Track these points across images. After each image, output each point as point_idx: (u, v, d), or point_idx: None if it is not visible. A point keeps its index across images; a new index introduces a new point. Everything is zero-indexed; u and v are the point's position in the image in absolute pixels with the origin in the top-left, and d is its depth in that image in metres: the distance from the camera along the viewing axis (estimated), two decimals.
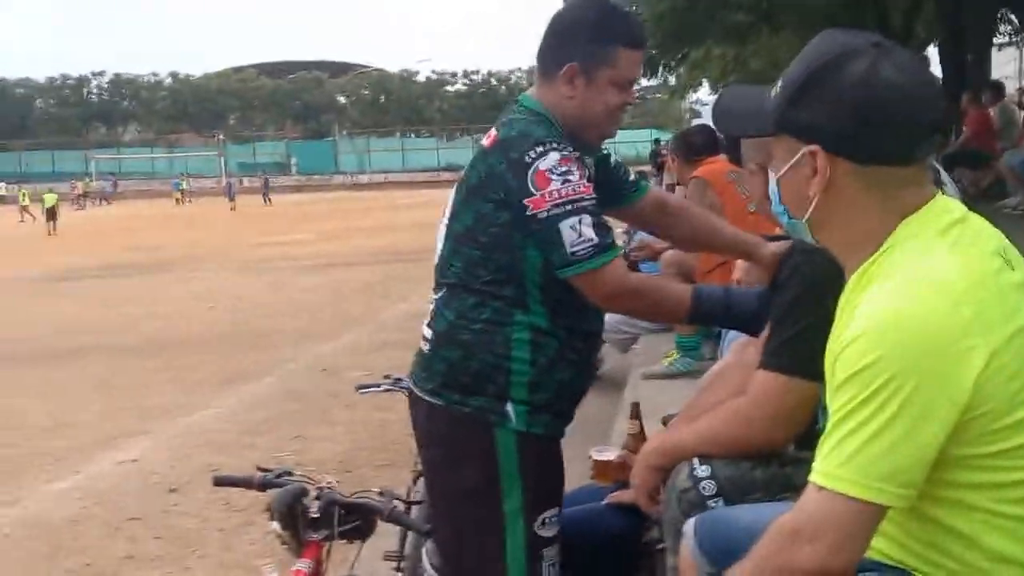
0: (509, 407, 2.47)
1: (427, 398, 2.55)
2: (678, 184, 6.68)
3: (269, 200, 45.58)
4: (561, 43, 2.54)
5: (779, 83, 1.62)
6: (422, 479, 3.05)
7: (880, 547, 1.62)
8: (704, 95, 46.70)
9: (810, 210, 1.62)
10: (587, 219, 2.35)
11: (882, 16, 17.72)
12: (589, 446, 3.12)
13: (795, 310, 2.11)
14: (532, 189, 2.35)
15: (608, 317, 7.53)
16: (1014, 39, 21.92)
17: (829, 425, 1.51)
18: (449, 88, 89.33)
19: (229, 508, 5.75)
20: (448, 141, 73.34)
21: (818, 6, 16.36)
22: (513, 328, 2.47)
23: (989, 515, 1.53)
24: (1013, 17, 16.35)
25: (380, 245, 22.43)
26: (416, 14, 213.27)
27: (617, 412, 5.26)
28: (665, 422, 2.92)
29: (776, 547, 1.53)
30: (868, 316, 1.48)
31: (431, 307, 2.60)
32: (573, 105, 2.50)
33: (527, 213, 2.36)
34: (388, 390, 3.58)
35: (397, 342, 10.17)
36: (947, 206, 1.60)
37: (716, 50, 24.80)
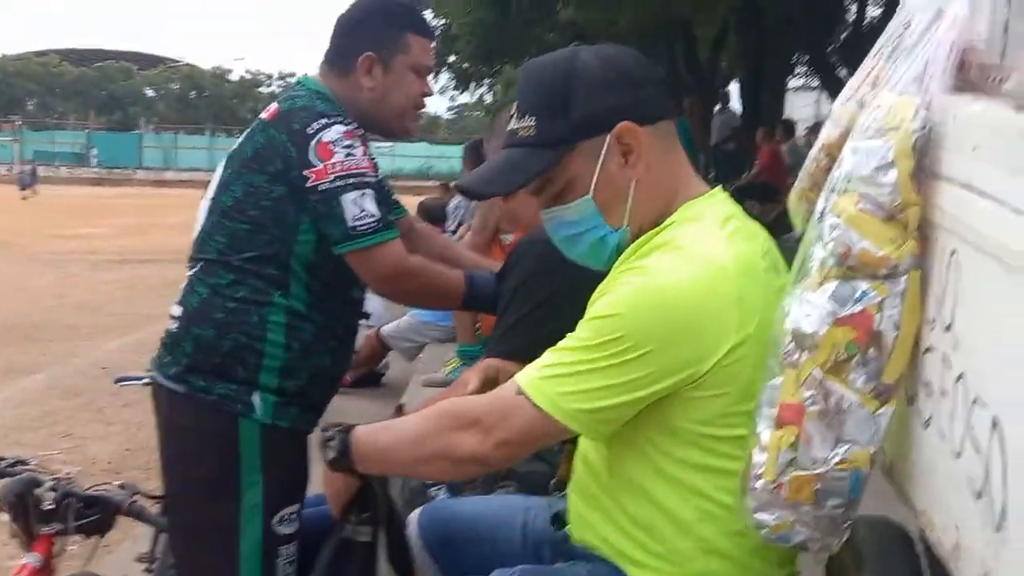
0: (256, 397, 2.38)
1: (170, 384, 2.44)
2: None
3: (34, 191, 39.60)
4: (352, 37, 2.51)
5: (522, 119, 1.68)
6: None
7: (594, 531, 1.64)
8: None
9: (630, 199, 1.65)
10: (370, 193, 2.30)
11: (690, 47, 18.39)
12: None
13: (516, 297, 2.13)
14: (314, 160, 2.29)
15: (397, 324, 7.50)
16: (808, 81, 23.14)
17: (559, 345, 1.58)
18: (263, 89, 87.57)
19: None
20: None
21: (630, 32, 16.87)
22: (270, 309, 2.38)
23: (706, 501, 1.59)
24: (807, 60, 17.29)
25: (182, 243, 21.34)
26: (228, 13, 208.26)
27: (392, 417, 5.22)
28: (401, 410, 2.90)
29: (447, 425, 1.61)
30: (636, 280, 1.55)
31: (183, 285, 2.50)
32: (374, 96, 2.48)
33: (307, 184, 2.29)
34: (148, 383, 3.41)
35: None
36: (725, 200, 1.70)
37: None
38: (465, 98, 35.60)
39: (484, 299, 2.51)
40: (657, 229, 1.64)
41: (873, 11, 15.78)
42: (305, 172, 2.30)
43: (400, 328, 6.96)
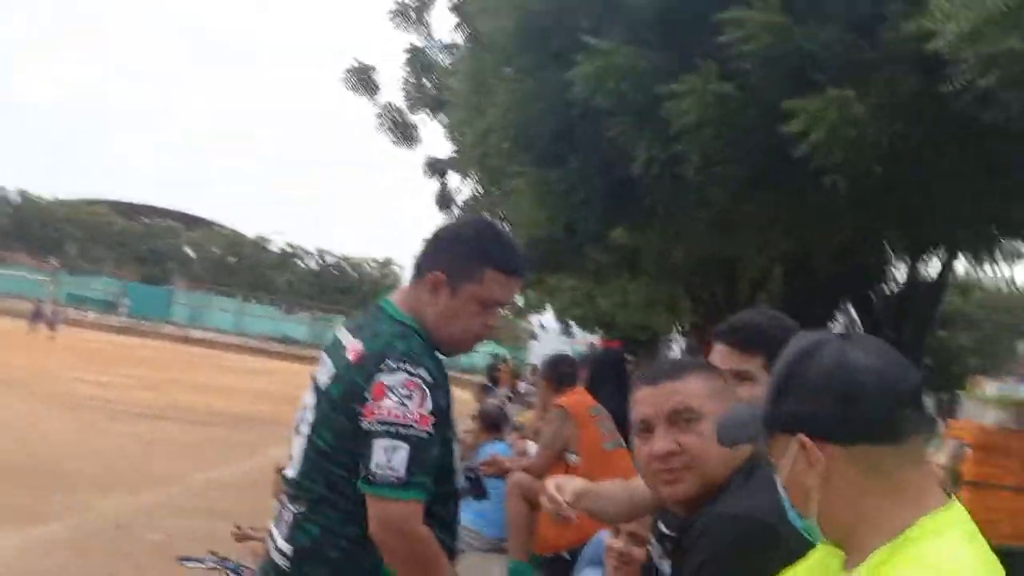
0: None
1: None
2: (540, 407, 6.73)
3: (52, 327, 39.75)
4: (436, 251, 2.56)
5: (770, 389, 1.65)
6: None
7: None
8: (548, 320, 48.00)
9: (816, 503, 1.59)
10: (404, 449, 2.27)
11: (731, 281, 18.63)
12: None
13: (705, 570, 2.01)
14: (368, 397, 2.30)
15: None
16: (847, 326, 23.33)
17: None
18: (300, 263, 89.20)
19: None
20: (288, 314, 72.58)
21: (677, 265, 17.14)
22: None
23: None
24: (851, 309, 17.42)
25: (201, 404, 21.57)
26: (274, 182, 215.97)
27: None
28: None
29: None
30: None
31: (286, 518, 2.46)
32: (433, 313, 2.49)
33: (358, 420, 2.31)
34: (213, 568, 3.32)
35: (201, 510, 9.71)
36: (962, 512, 1.61)
37: (569, 281, 25.50)
38: None
39: None
40: (888, 549, 1.55)
41: (926, 272, 16.00)
42: (360, 408, 2.32)
43: None
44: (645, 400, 2.21)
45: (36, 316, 41.39)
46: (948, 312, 23.67)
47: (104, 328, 51.63)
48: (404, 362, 2.34)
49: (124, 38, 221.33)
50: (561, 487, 2.58)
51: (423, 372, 2.35)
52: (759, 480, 2.16)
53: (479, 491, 6.31)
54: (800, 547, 1.91)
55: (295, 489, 2.46)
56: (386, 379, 2.31)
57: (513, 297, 2.66)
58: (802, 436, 1.57)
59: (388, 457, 2.26)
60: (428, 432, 2.31)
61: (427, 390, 2.34)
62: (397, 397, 2.29)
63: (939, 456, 9.24)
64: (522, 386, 21.51)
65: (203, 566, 3.43)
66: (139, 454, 13.78)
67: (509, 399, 15.97)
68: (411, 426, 2.28)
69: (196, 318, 66.88)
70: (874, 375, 1.56)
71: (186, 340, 52.15)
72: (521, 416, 11.56)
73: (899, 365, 1.61)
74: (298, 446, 2.48)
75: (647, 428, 2.19)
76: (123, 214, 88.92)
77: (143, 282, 75.35)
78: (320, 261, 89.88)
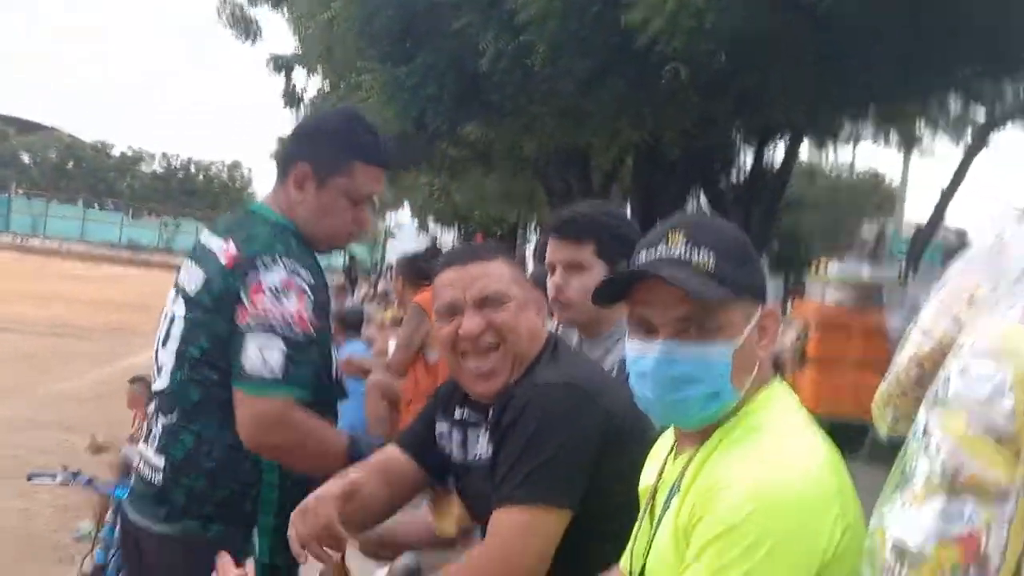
0: (255, 537, 2.30)
1: (161, 528, 2.33)
2: (398, 305, 6.73)
3: None
4: (299, 146, 2.49)
5: (696, 251, 1.62)
6: None
7: None
8: (404, 218, 47.79)
9: (753, 374, 1.63)
10: (279, 346, 2.23)
11: (585, 175, 18.83)
12: None
13: (538, 440, 2.02)
14: (245, 299, 2.25)
15: None
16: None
17: None
18: (144, 168, 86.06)
19: None
20: (134, 219, 70.24)
21: (530, 157, 17.24)
22: None
23: None
24: (702, 196, 17.85)
25: (48, 315, 20.76)
26: (117, 88, 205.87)
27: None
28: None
29: None
30: (742, 480, 1.49)
31: (156, 430, 2.39)
32: (304, 211, 2.43)
33: (235, 320, 2.25)
34: (64, 483, 3.25)
35: (51, 423, 9.44)
36: (788, 389, 1.70)
37: (424, 177, 25.39)
38: None
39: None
40: (736, 418, 1.61)
41: (771, 159, 16.46)
42: (236, 309, 2.26)
43: None
44: (452, 283, 2.17)
45: None
46: (794, 197, 24.43)
47: None
48: (282, 262, 2.29)
49: None
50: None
51: (303, 272, 2.31)
52: (565, 355, 2.22)
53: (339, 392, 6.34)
54: (622, 417, 2.01)
55: (166, 400, 2.39)
56: (264, 278, 2.26)
57: (381, 189, 2.58)
58: (773, 307, 1.65)
59: (262, 354, 2.22)
60: (306, 334, 2.27)
61: (307, 292, 2.30)
62: (274, 295, 2.24)
63: (786, 337, 9.60)
64: (381, 284, 21.47)
65: (52, 482, 3.34)
66: None
67: (370, 299, 15.94)
68: (289, 325, 2.24)
69: (36, 226, 64.10)
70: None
71: (26, 249, 50.02)
72: (382, 314, 11.56)
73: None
74: (166, 357, 2.40)
75: (453, 311, 2.16)
76: None
77: None
78: (164, 165, 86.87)
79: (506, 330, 2.13)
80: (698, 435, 1.64)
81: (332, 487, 2.04)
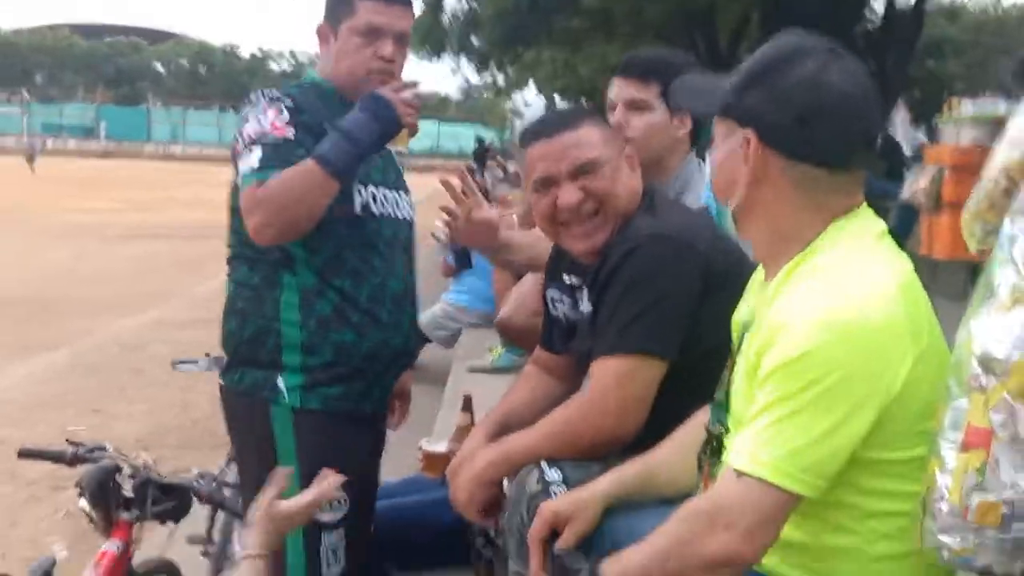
0: (281, 381, 2.39)
1: (220, 381, 2.53)
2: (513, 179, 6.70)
3: (32, 168, 37.22)
4: (324, 12, 2.55)
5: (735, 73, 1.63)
6: (233, 462, 3.01)
7: (767, 562, 1.56)
8: (530, 96, 47.28)
9: (736, 198, 1.61)
10: (256, 149, 2.30)
11: (711, 36, 18.30)
12: (414, 437, 2.99)
13: (635, 290, 2.01)
14: (237, 136, 2.39)
15: (432, 313, 7.36)
16: None
17: (753, 410, 1.49)
18: (275, 66, 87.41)
19: (15, 482, 5.35)
20: None
21: (652, 21, 16.81)
22: (282, 290, 2.40)
23: (879, 522, 1.54)
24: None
25: (195, 218, 21.55)
26: None
27: (440, 405, 5.14)
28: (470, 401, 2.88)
29: (687, 533, 1.50)
30: (805, 312, 1.47)
31: None
32: (333, 67, 2.50)
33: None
34: (208, 369, 3.37)
35: (208, 319, 9.74)
36: (874, 217, 1.63)
37: (547, 53, 25.06)
38: (475, 79, 35.40)
39: (351, 164, 2.31)
40: (800, 256, 1.57)
41: (902, 3, 15.68)
42: (235, 147, 2.38)
43: (434, 316, 6.90)
44: (543, 156, 2.16)
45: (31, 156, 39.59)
46: (935, 39, 23.22)
47: (86, 154, 51.20)
48: (265, 96, 2.40)
49: None
50: None
51: (284, 99, 2.38)
52: (662, 205, 2.22)
53: (464, 262, 6.40)
54: (722, 260, 2.02)
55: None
56: (247, 114, 2.38)
57: (400, 25, 2.48)
58: (750, 133, 1.56)
59: (246, 159, 2.30)
60: (285, 136, 2.32)
61: (284, 108, 2.36)
62: (254, 118, 2.35)
63: (920, 181, 9.23)
64: (512, 166, 21.41)
65: (196, 368, 3.48)
66: (138, 273, 13.92)
67: (501, 180, 15.88)
68: (264, 133, 2.32)
69: (176, 134, 66.18)
70: (840, 101, 1.54)
71: (169, 157, 51.75)
72: (512, 195, 11.55)
73: (867, 100, 1.59)
74: None
75: (548, 184, 2.16)
76: (85, 35, 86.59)
77: (116, 104, 74.13)
78: (293, 62, 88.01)
79: (604, 195, 2.14)
80: (775, 270, 1.62)
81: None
